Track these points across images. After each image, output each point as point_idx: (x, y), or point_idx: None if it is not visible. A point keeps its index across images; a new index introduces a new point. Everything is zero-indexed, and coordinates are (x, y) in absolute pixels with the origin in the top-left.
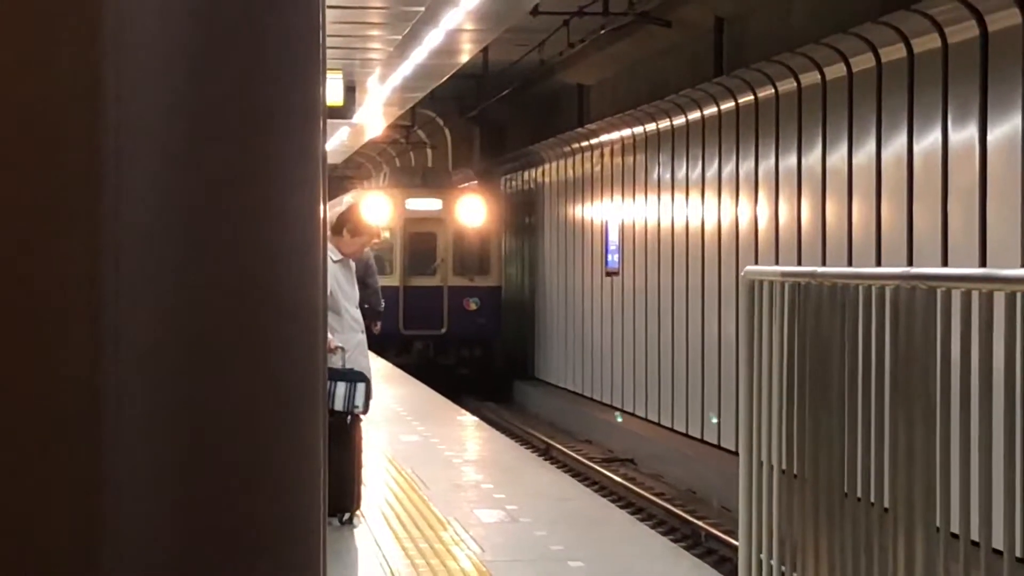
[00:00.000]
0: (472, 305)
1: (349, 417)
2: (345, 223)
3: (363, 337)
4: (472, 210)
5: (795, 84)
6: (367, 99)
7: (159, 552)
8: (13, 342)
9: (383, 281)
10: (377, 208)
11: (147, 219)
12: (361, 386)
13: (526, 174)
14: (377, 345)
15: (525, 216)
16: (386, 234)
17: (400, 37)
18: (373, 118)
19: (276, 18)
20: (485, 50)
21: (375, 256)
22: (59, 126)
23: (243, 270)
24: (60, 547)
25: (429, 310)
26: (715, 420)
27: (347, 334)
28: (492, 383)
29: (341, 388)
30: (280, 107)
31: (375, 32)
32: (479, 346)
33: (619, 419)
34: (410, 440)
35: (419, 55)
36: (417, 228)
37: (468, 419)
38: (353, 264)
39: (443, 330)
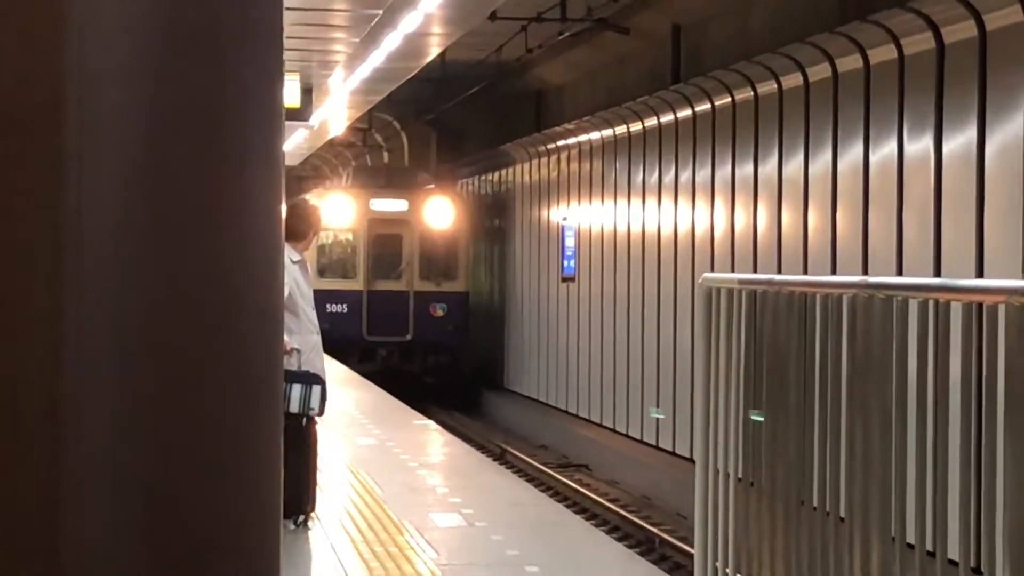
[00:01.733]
0: (439, 311)
1: (304, 419)
2: (313, 224)
3: (318, 339)
4: (440, 212)
5: (752, 93)
6: (325, 101)
7: (118, 554)
8: None
9: (346, 284)
10: (340, 209)
11: (108, 220)
12: (317, 388)
13: (494, 176)
14: (340, 352)
15: (494, 219)
16: (349, 236)
17: (358, 40)
18: (331, 120)
19: (237, 20)
20: (443, 54)
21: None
22: (21, 128)
23: (202, 271)
24: (21, 547)
25: (394, 316)
26: (656, 415)
27: (304, 335)
28: (460, 392)
29: (296, 390)
30: (240, 108)
31: (333, 34)
32: (446, 354)
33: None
34: (366, 444)
35: (377, 58)
36: (382, 230)
37: (425, 423)
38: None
39: (408, 336)
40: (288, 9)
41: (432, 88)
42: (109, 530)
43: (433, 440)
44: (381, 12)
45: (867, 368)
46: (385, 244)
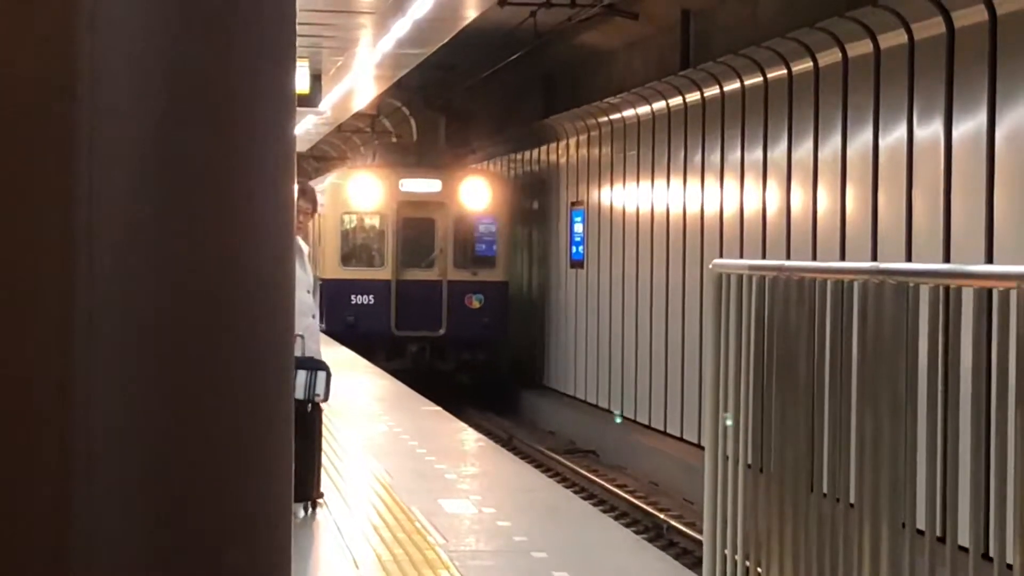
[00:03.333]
0: (475, 303)
1: (310, 405)
2: (303, 208)
3: (312, 321)
4: (477, 193)
5: (762, 78)
6: (334, 87)
7: (130, 539)
8: None
9: (372, 274)
10: (366, 190)
11: (120, 208)
12: (322, 374)
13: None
14: (366, 348)
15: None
16: (375, 220)
17: (368, 25)
18: (340, 106)
19: (250, 7)
20: (452, 40)
21: (363, 242)
22: (33, 115)
23: (215, 258)
24: (31, 536)
25: (426, 308)
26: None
27: (300, 319)
28: (496, 392)
29: (301, 376)
30: (252, 94)
31: (343, 20)
32: (482, 350)
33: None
34: (375, 430)
35: (386, 44)
36: (412, 213)
37: (434, 410)
38: (306, 248)
39: (441, 331)
40: None
41: (440, 75)
42: (119, 519)
43: (442, 427)
44: None
45: (878, 354)
46: (416, 229)
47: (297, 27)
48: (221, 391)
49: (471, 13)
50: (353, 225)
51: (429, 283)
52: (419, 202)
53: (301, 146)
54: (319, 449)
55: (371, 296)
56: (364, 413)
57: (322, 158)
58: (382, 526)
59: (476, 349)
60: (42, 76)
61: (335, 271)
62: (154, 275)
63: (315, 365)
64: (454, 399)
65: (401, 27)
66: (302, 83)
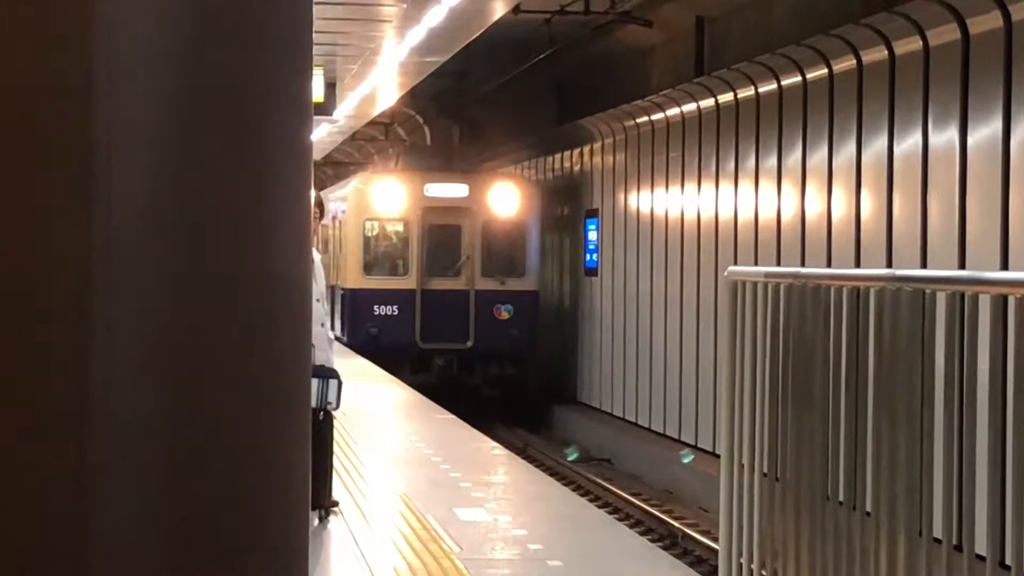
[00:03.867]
0: (504, 313)
1: (322, 413)
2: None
3: (322, 330)
4: (507, 198)
5: (776, 85)
6: (348, 96)
7: (148, 547)
8: (3, 334)
9: (396, 283)
10: (389, 195)
11: (137, 211)
12: (333, 382)
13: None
14: (390, 361)
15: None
16: (399, 226)
17: (382, 34)
18: (354, 115)
19: (268, 15)
20: (465, 49)
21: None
22: (52, 119)
23: (232, 262)
24: (48, 540)
25: (452, 319)
26: (686, 460)
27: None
28: (526, 407)
29: (313, 385)
30: (269, 102)
31: (357, 29)
32: (511, 363)
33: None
34: (389, 437)
35: (401, 52)
36: (438, 219)
37: (448, 418)
38: (318, 255)
39: (469, 343)
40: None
41: (454, 83)
42: (136, 528)
43: (457, 435)
44: (405, 6)
45: (894, 361)
46: (441, 236)
47: (313, 35)
48: (238, 399)
49: (486, 21)
50: (376, 232)
51: (455, 293)
52: (445, 208)
53: (315, 155)
54: (331, 456)
55: (395, 306)
56: (377, 419)
57: (339, 163)
58: (397, 534)
59: (505, 362)
60: (59, 87)
61: (357, 280)
62: (171, 280)
63: (327, 374)
64: (481, 415)
65: (416, 35)
66: (317, 91)
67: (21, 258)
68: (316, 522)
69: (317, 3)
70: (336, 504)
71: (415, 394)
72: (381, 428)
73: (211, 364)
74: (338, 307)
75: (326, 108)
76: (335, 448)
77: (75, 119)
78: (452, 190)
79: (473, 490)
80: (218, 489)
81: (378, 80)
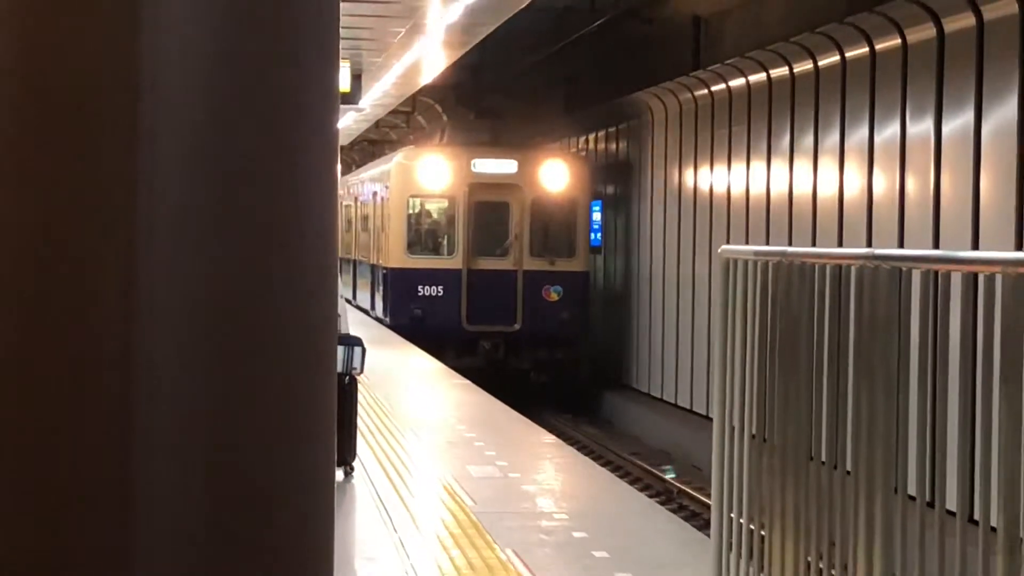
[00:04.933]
0: (553, 295)
1: (347, 378)
2: None
3: (343, 301)
4: (557, 175)
5: (765, 77)
6: (373, 86)
7: (189, 498)
8: (49, 323)
9: (441, 263)
10: (433, 171)
11: (179, 192)
12: (358, 349)
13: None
14: (434, 344)
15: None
16: (444, 204)
17: (404, 30)
18: (378, 104)
19: (297, 11)
20: (483, 41)
21: (429, 228)
22: (96, 111)
23: (265, 240)
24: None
25: (499, 301)
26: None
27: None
28: (576, 393)
29: (340, 351)
30: (299, 91)
31: (380, 24)
32: (561, 347)
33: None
34: (408, 400)
35: (422, 46)
36: (485, 196)
37: (461, 382)
38: None
39: (516, 326)
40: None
41: (471, 75)
42: (178, 482)
43: (470, 398)
44: (426, 3)
45: (873, 333)
46: (489, 214)
47: (340, 30)
48: (271, 364)
49: (501, 16)
50: (420, 210)
51: (503, 273)
52: (493, 184)
53: (342, 140)
54: (355, 417)
55: (440, 287)
56: (397, 384)
57: (378, 141)
58: (416, 488)
59: (554, 346)
60: (108, 75)
61: (400, 259)
62: (208, 255)
63: (352, 341)
64: (529, 401)
65: (435, 29)
66: (344, 82)
67: (70, 236)
68: (341, 476)
69: (344, 0)
70: (353, 459)
71: (430, 358)
72: (399, 390)
73: (244, 330)
74: (379, 287)
75: (352, 97)
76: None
77: (121, 112)
78: (500, 166)
79: (486, 449)
80: (252, 446)
81: (401, 71)
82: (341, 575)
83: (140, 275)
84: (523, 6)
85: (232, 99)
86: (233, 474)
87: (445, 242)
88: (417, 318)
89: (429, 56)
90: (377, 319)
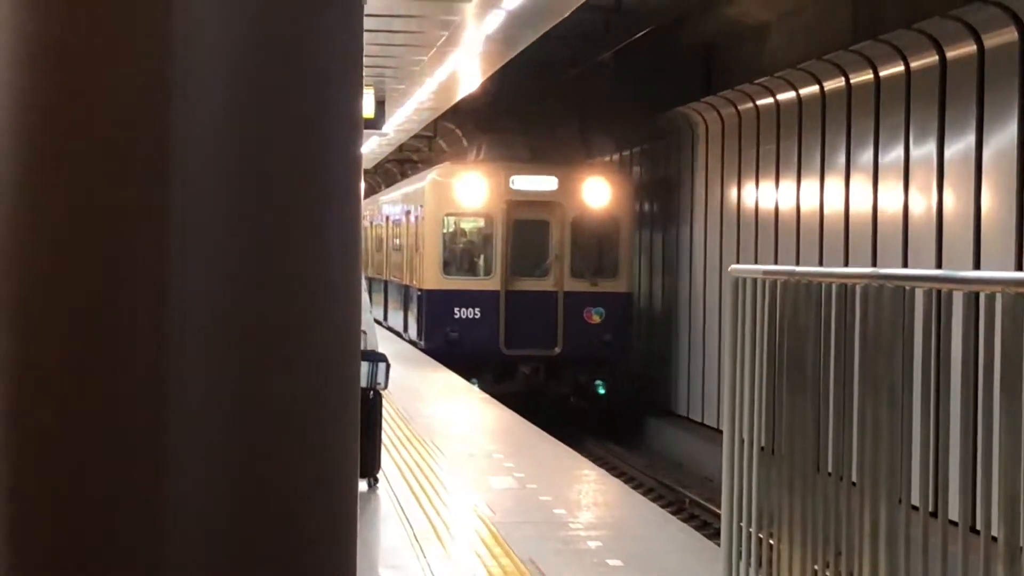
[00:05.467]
0: (595, 317)
1: (372, 392)
2: None
3: (370, 317)
4: (599, 192)
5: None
6: (396, 112)
7: (216, 507)
8: (84, 330)
9: (478, 283)
10: (470, 188)
11: (208, 214)
12: (382, 365)
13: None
14: (472, 368)
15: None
16: (481, 222)
17: (426, 58)
18: (401, 129)
19: (324, 39)
20: (500, 72)
21: (465, 247)
22: (134, 130)
23: (292, 258)
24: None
25: (539, 323)
26: None
27: (364, 315)
28: (617, 419)
29: (365, 367)
30: (324, 117)
31: (403, 53)
32: (602, 371)
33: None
34: (428, 414)
35: (442, 73)
36: (524, 214)
37: (483, 397)
38: None
39: (557, 349)
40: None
41: (488, 102)
42: (205, 491)
43: (488, 412)
44: (447, 34)
45: (878, 349)
46: (528, 232)
47: (365, 59)
48: (297, 377)
49: (519, 47)
50: (457, 228)
51: (543, 294)
52: (532, 202)
53: (367, 164)
54: (380, 431)
55: (477, 309)
56: (418, 398)
57: (406, 161)
58: (436, 498)
59: (596, 370)
60: (142, 97)
61: (436, 280)
62: (238, 271)
63: (376, 357)
64: (569, 427)
65: (456, 59)
66: (367, 108)
67: (106, 258)
68: (365, 488)
69: (368, 30)
70: (378, 470)
71: (451, 374)
72: (421, 404)
73: (271, 343)
74: (413, 309)
75: (376, 123)
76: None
77: (153, 130)
78: (540, 182)
79: (504, 460)
80: (279, 457)
81: (423, 98)
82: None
83: (171, 287)
84: (536, 38)
85: (261, 124)
86: (261, 480)
87: (482, 262)
88: (453, 341)
89: (449, 83)
90: (410, 342)
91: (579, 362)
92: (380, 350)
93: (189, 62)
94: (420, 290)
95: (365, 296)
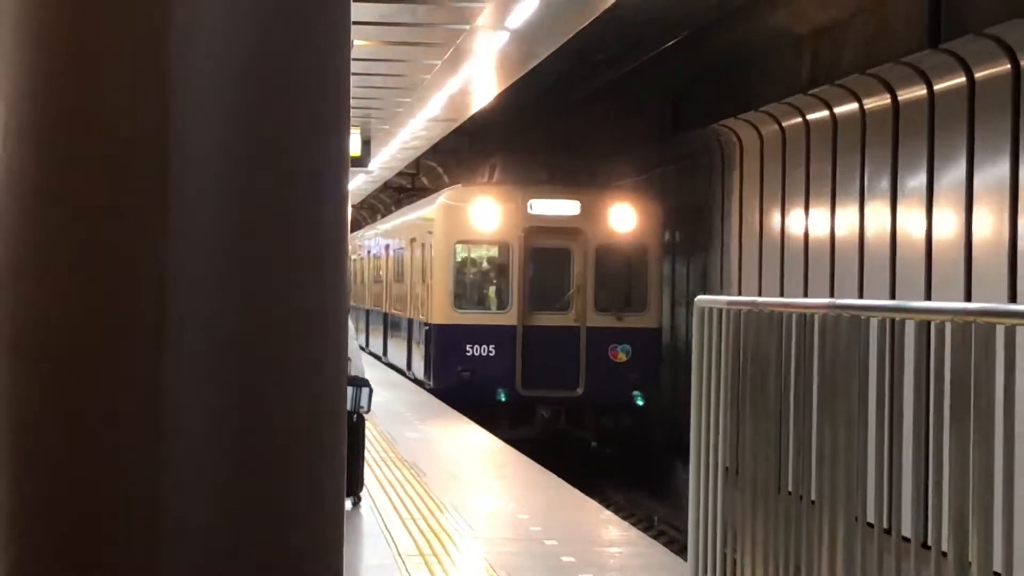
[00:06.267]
0: (620, 355)
1: (355, 416)
2: None
3: (355, 344)
4: (625, 218)
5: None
6: (381, 151)
7: (212, 523)
8: (84, 340)
9: (492, 318)
10: (483, 213)
11: (205, 249)
12: (366, 390)
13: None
14: (485, 410)
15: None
16: (496, 251)
17: (410, 99)
18: (385, 167)
19: (312, 83)
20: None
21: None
22: (133, 176)
23: (284, 289)
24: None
25: (560, 362)
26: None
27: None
28: (644, 466)
29: (349, 391)
30: (315, 155)
31: (388, 95)
32: (629, 414)
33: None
34: (413, 437)
35: (426, 114)
36: (544, 242)
37: (465, 422)
38: None
39: (579, 391)
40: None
41: (467, 141)
42: (203, 508)
43: (470, 435)
44: (428, 77)
45: (835, 375)
46: (547, 262)
47: (352, 100)
48: (287, 398)
49: (495, 91)
50: (469, 258)
51: (563, 330)
52: (552, 228)
53: (353, 200)
54: (363, 451)
55: (491, 346)
56: (401, 421)
57: (402, 189)
58: (419, 518)
59: (622, 413)
60: (143, 134)
61: (446, 315)
62: (231, 300)
63: (360, 383)
64: (592, 475)
65: (437, 102)
66: (354, 147)
67: (104, 267)
68: (349, 506)
69: (355, 73)
70: (361, 490)
71: (432, 398)
72: (404, 428)
73: (267, 374)
74: (420, 345)
75: (362, 161)
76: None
77: (153, 171)
78: (561, 207)
79: (486, 481)
80: (270, 473)
81: (406, 138)
82: None
83: (169, 312)
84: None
85: (255, 161)
86: (254, 496)
87: (497, 295)
88: (465, 381)
89: (431, 124)
90: (414, 380)
91: (603, 405)
92: (366, 375)
93: (187, 103)
94: (428, 324)
95: (350, 323)
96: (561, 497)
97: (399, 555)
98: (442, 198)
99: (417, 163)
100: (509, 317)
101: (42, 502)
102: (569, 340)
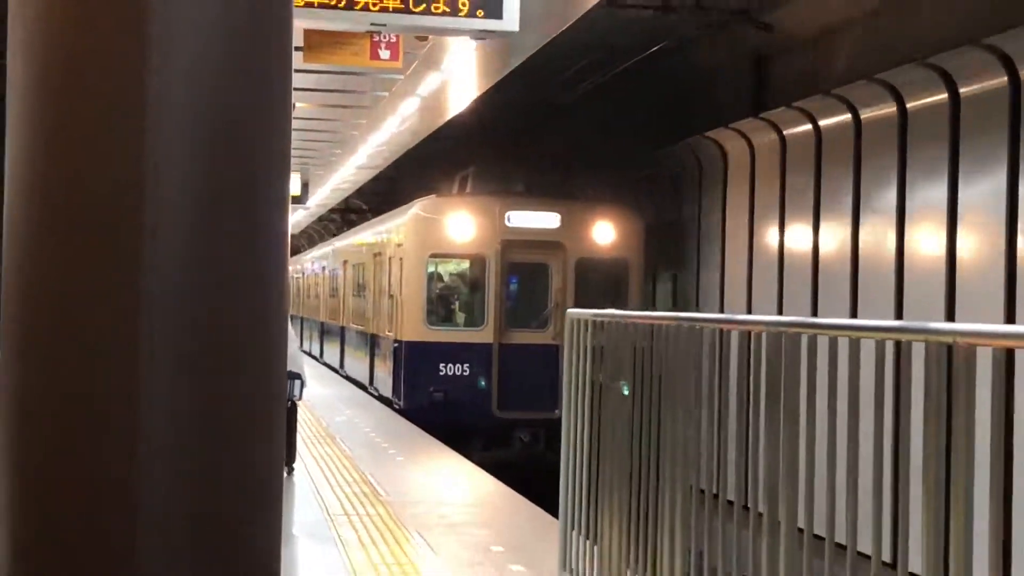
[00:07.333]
0: None
1: (289, 402)
2: None
3: (294, 346)
4: (606, 231)
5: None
6: (317, 192)
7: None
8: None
9: (466, 335)
10: (459, 226)
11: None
12: (297, 382)
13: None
14: (459, 433)
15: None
16: (471, 265)
17: (340, 151)
18: (320, 204)
19: (266, 136)
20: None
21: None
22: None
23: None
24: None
25: (537, 382)
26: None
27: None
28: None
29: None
30: (262, 196)
31: (323, 147)
32: None
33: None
34: (340, 419)
35: (354, 162)
36: (521, 256)
37: (383, 408)
38: None
39: (558, 412)
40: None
41: (388, 184)
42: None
43: (389, 418)
44: (357, 133)
45: (676, 374)
46: (525, 277)
47: (293, 150)
48: (241, 390)
49: (410, 145)
50: (442, 271)
51: (542, 348)
52: (530, 242)
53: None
54: (295, 430)
55: (465, 365)
56: (330, 408)
57: (359, 210)
58: (345, 484)
59: None
60: (119, 176)
61: (417, 331)
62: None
63: (293, 376)
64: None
65: (364, 152)
66: (295, 188)
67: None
68: (285, 474)
69: (297, 129)
70: (293, 461)
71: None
72: (333, 413)
73: (225, 371)
74: (386, 363)
75: (301, 199)
76: (305, 428)
77: (131, 210)
78: (539, 219)
79: (399, 455)
80: (226, 445)
81: (337, 182)
82: (284, 539)
83: (141, 322)
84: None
85: (214, 198)
86: (212, 467)
87: (472, 311)
88: (437, 403)
89: (357, 171)
90: (380, 398)
91: None
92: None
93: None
94: (398, 341)
95: (292, 330)
96: (463, 470)
97: (327, 512)
98: (414, 209)
99: (346, 202)
100: (485, 335)
101: (36, 492)
102: (548, 359)
